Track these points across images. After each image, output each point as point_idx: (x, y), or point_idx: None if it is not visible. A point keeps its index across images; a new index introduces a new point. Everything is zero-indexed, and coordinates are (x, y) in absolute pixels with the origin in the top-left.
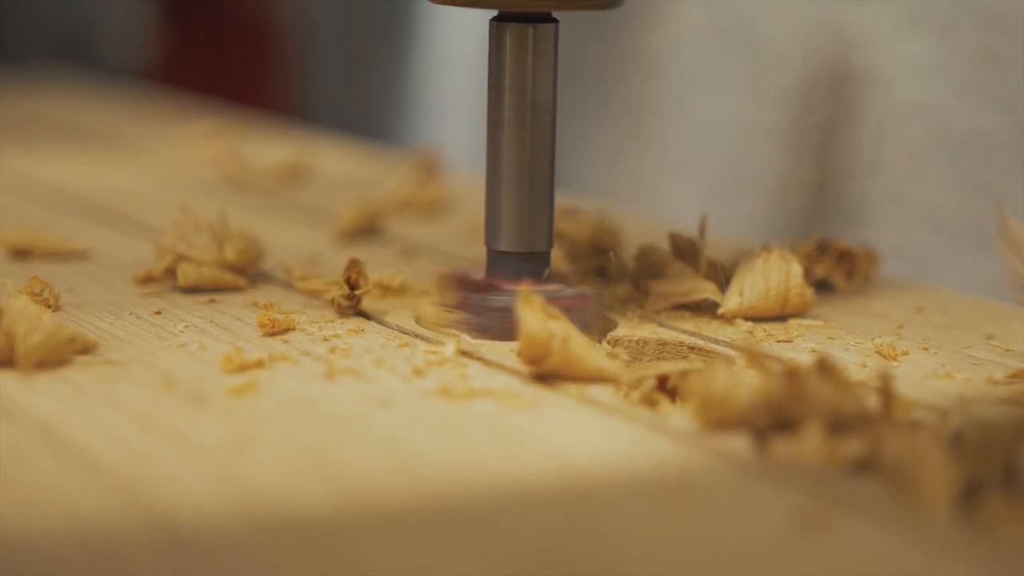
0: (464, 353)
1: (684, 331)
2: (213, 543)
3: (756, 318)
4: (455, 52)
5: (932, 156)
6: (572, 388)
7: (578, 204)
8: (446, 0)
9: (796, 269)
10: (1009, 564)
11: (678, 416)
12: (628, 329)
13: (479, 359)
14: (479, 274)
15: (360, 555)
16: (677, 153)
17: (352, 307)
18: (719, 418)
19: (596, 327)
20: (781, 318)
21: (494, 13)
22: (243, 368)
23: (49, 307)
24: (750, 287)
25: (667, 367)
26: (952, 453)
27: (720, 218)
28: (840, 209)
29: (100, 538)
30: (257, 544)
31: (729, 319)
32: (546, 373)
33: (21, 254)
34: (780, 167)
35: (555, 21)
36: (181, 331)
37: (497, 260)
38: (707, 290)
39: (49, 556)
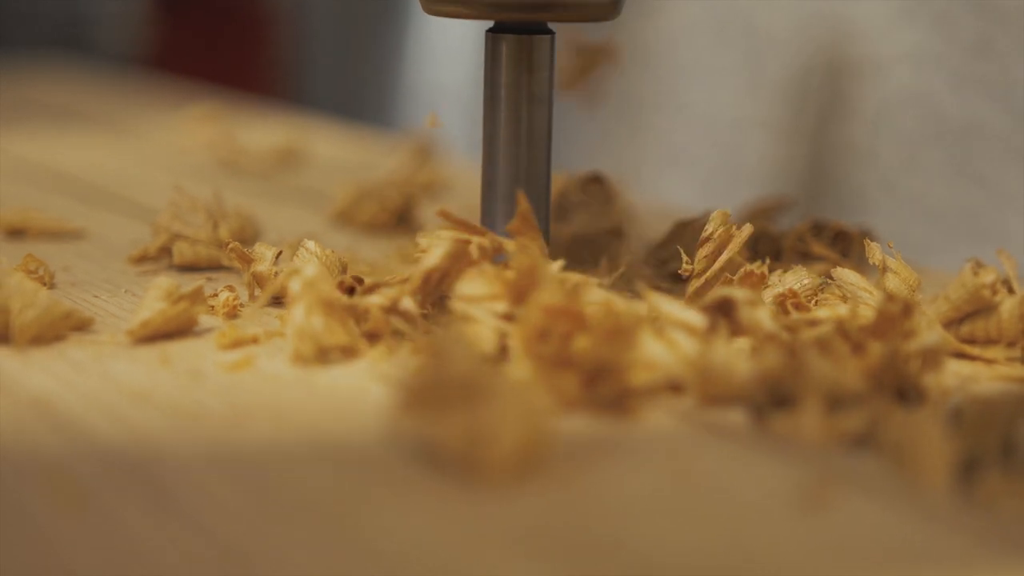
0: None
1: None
2: (212, 514)
3: None
4: (450, 38)
5: (927, 146)
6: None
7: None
8: (441, 12)
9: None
10: (1007, 538)
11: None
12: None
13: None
14: None
15: (359, 526)
16: (673, 144)
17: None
18: (717, 393)
19: None
20: None
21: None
22: (238, 344)
23: (44, 285)
24: None
25: None
26: (951, 429)
27: (717, 208)
28: (836, 199)
29: (99, 513)
30: (256, 516)
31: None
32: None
33: (17, 233)
34: (776, 157)
35: (551, 33)
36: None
37: None
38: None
39: (47, 528)
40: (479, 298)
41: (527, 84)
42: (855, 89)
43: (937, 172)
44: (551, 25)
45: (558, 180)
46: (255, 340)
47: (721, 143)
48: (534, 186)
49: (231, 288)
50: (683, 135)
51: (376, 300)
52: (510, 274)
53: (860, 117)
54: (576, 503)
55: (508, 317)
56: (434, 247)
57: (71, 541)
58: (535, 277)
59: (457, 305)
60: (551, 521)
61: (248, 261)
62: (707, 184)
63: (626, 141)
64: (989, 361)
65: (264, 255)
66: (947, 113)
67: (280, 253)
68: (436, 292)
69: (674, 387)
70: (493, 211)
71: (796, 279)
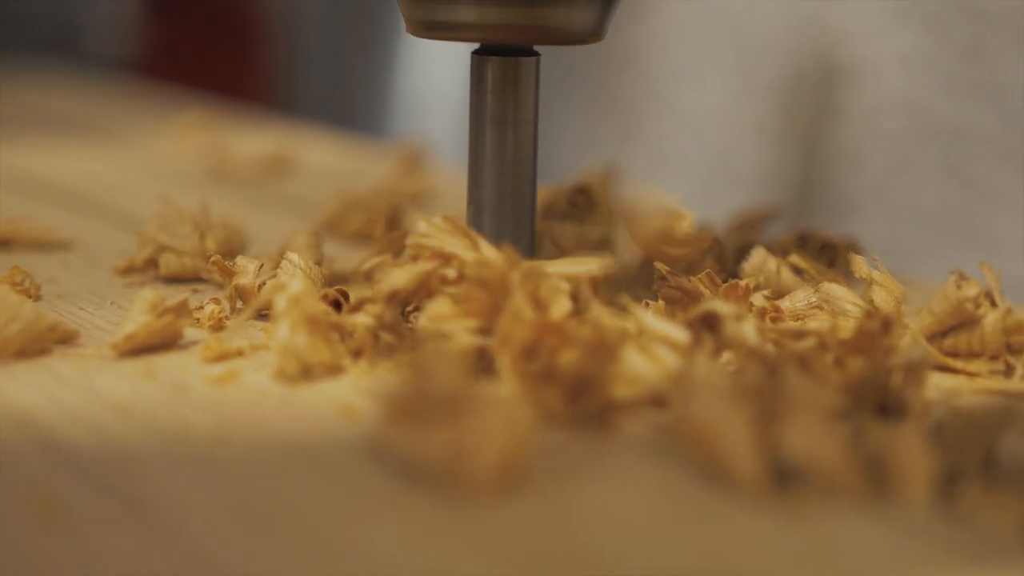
0: None
1: None
2: (195, 529)
3: None
4: (439, 48)
5: (919, 149)
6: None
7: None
8: (425, 35)
9: None
10: (988, 551)
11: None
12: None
13: None
14: None
15: (343, 540)
16: (664, 149)
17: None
18: None
19: None
20: None
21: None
22: (223, 357)
23: (30, 297)
24: None
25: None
26: (932, 442)
27: (708, 213)
28: (826, 203)
29: (83, 529)
30: (240, 530)
31: None
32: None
33: (3, 244)
34: (768, 161)
35: (536, 55)
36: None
37: None
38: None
39: (29, 543)
40: (447, 317)
41: (512, 105)
42: (846, 92)
43: (929, 175)
44: (536, 47)
45: (544, 192)
46: (240, 353)
47: (713, 147)
48: (520, 202)
49: (216, 300)
50: (674, 139)
51: (362, 318)
52: (473, 291)
53: (851, 120)
54: (559, 517)
55: (481, 331)
56: (395, 270)
57: (53, 556)
58: (502, 289)
59: (426, 326)
60: (534, 535)
61: (230, 274)
62: (699, 188)
63: (617, 145)
64: (972, 374)
65: (246, 268)
66: (938, 116)
67: (262, 266)
68: (404, 309)
69: (656, 401)
70: (479, 228)
71: (805, 297)
